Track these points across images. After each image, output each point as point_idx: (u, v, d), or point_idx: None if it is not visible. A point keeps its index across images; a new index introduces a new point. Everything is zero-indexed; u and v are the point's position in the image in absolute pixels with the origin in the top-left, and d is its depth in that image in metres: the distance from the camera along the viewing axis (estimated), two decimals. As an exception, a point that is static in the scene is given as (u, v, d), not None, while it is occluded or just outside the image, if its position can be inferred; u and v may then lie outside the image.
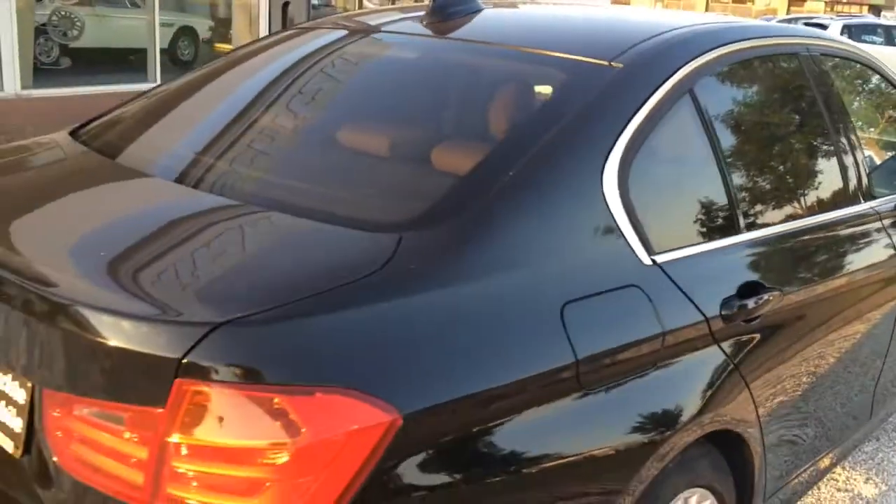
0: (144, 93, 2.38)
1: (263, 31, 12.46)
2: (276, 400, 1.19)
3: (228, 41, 13.39)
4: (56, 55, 10.50)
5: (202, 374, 1.19)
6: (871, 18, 26.76)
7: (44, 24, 10.25)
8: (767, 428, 1.98)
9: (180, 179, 1.78)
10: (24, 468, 1.43)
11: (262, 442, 1.19)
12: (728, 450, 1.89)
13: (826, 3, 68.18)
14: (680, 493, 1.75)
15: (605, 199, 1.63)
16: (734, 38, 2.09)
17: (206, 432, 1.21)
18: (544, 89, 1.84)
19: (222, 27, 13.37)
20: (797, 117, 2.39)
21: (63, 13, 10.47)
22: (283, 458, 1.19)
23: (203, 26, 12.88)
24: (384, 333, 1.30)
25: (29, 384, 1.41)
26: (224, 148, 1.92)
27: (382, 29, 2.37)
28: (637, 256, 1.66)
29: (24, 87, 8.94)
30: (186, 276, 1.40)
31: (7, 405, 1.47)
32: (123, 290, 1.34)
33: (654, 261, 1.69)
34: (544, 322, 1.47)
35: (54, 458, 1.35)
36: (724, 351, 1.80)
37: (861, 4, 69.77)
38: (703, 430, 1.74)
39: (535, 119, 1.75)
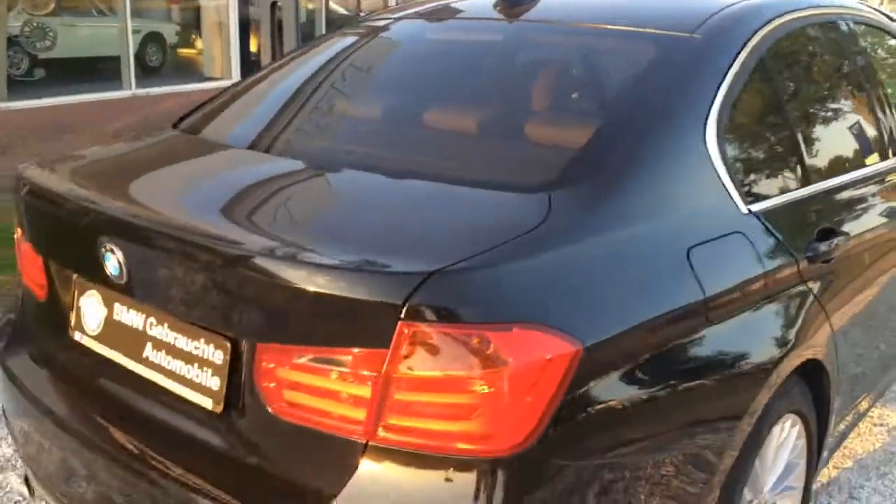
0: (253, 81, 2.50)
1: (234, 34, 12.47)
2: (483, 335, 1.33)
3: (195, 46, 13.38)
4: (28, 67, 10.42)
5: (420, 316, 1.31)
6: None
7: (16, 36, 10.17)
8: (842, 358, 2.18)
9: (340, 161, 1.94)
10: (226, 422, 1.57)
11: (474, 372, 1.33)
12: (811, 379, 2.09)
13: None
14: (781, 417, 1.95)
15: (709, 157, 1.80)
16: (789, 9, 2.29)
17: (425, 366, 1.33)
18: (640, 60, 2.01)
19: (190, 32, 13.35)
20: (847, 79, 2.58)
21: (35, 24, 10.39)
22: (491, 385, 1.33)
23: (170, 31, 12.84)
24: (561, 276, 1.44)
25: (228, 345, 1.54)
26: (382, 133, 2.13)
27: (464, 16, 2.52)
28: (738, 207, 1.85)
29: (-1, 100, 8.91)
30: (383, 235, 1.53)
31: (201, 367, 1.58)
32: (334, 248, 1.47)
33: (749, 210, 1.88)
34: (677, 264, 1.63)
35: (267, 407, 1.48)
36: (810, 289, 1.99)
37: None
38: (800, 358, 1.92)
39: (639, 89, 1.89)
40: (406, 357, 1.32)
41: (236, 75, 12.53)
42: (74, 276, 1.86)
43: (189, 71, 12.97)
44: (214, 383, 1.55)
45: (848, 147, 2.45)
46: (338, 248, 1.45)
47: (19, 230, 2.07)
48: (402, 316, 1.30)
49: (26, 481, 2.11)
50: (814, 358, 1.98)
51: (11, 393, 1.98)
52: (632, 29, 2.13)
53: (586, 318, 1.42)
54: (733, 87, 1.92)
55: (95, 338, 1.81)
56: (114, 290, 1.72)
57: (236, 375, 1.51)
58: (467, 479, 1.33)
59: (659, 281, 1.58)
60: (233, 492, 1.48)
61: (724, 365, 1.68)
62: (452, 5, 2.64)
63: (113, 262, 1.63)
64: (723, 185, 1.80)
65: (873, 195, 2.44)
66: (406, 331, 1.31)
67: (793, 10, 2.28)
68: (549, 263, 1.43)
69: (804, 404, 2.04)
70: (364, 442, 1.37)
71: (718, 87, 1.88)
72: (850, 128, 2.51)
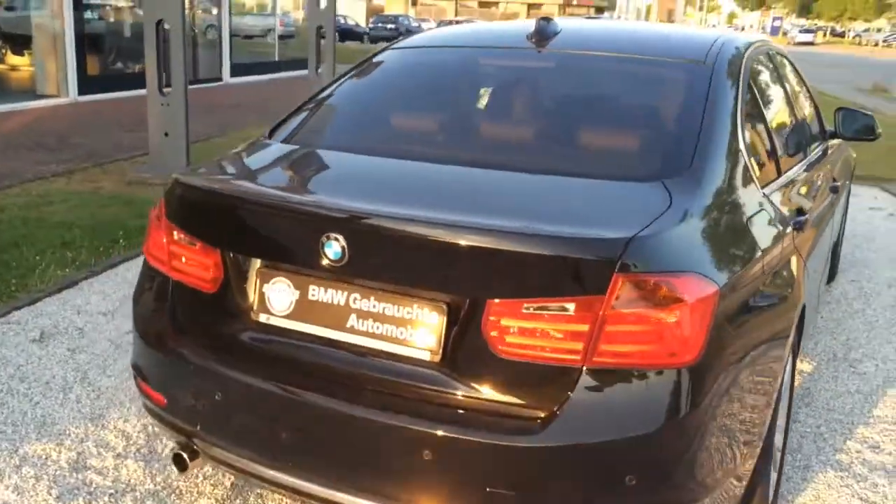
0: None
1: (70, 50, 11.99)
2: (669, 281, 1.85)
3: (24, 62, 12.73)
4: None
5: (627, 268, 1.80)
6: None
7: None
8: (811, 304, 2.93)
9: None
10: (444, 368, 1.97)
11: (664, 306, 1.85)
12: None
13: (559, 5, 74.61)
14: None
15: (743, 153, 2.45)
16: (749, 42, 3.05)
17: (630, 305, 1.83)
18: (678, 83, 2.64)
19: (20, 47, 12.71)
20: (785, 91, 3.40)
21: None
22: (675, 316, 1.85)
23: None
24: (697, 239, 2.01)
25: (444, 307, 1.95)
26: (515, 142, 2.66)
27: (512, 46, 3.06)
28: (758, 188, 2.51)
29: None
30: (572, 214, 2.05)
31: (415, 327, 1.95)
32: (544, 223, 1.93)
33: (763, 193, 2.55)
34: (747, 227, 2.28)
35: (490, 350, 1.90)
36: (797, 249, 2.70)
37: (588, 6, 77.14)
38: (801, 302, 2.62)
39: (691, 102, 2.52)
40: (617, 298, 1.82)
41: (73, 93, 12.11)
42: (258, 267, 2.18)
43: (17, 88, 12.36)
44: (431, 339, 1.96)
45: (796, 141, 3.26)
46: (547, 223, 1.94)
47: (177, 234, 2.33)
48: (617, 269, 1.81)
49: (178, 458, 2.36)
50: (805, 303, 2.69)
51: (193, 374, 2.25)
52: (659, 58, 2.76)
53: (715, 267, 2.00)
54: (741, 101, 2.59)
55: (287, 317, 2.14)
56: (315, 274, 2.07)
57: (454, 329, 1.94)
58: (662, 385, 1.85)
59: (743, 240, 2.20)
60: (456, 423, 1.91)
61: (779, 298, 2.34)
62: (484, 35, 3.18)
63: (335, 247, 1.99)
64: (751, 173, 2.46)
65: (815, 177, 3.28)
66: (619, 280, 1.81)
67: (753, 43, 3.03)
68: (689, 229, 2.00)
69: (796, 342, 2.75)
70: (580, 367, 1.85)
71: (736, 101, 2.54)
72: (794, 126, 3.33)
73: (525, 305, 1.86)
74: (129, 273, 4.86)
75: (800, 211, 2.81)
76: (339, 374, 2.08)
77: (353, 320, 2.06)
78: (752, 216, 2.32)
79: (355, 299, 2.06)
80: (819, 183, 3.38)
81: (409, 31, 40.50)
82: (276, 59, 20.35)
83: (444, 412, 1.94)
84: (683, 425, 1.85)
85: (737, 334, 2.02)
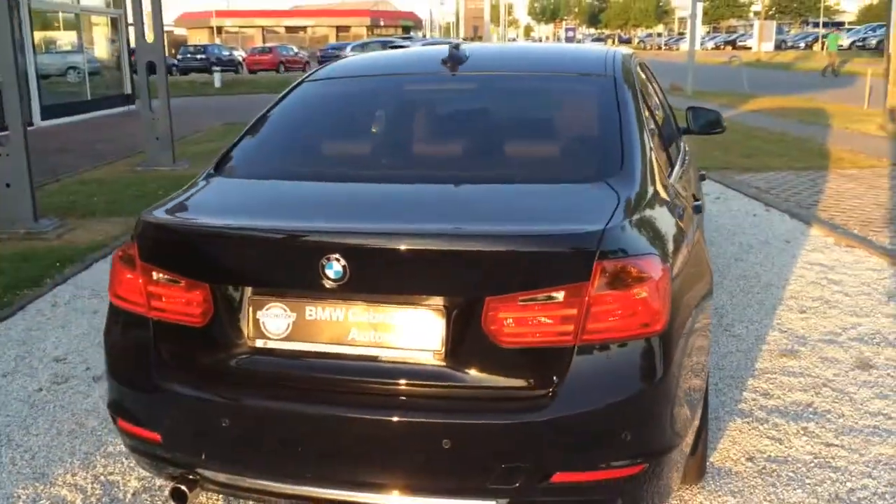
0: None
1: None
2: (637, 263, 2.14)
3: None
4: None
5: (605, 256, 2.07)
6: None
7: None
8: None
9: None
10: (450, 364, 2.16)
11: (639, 284, 2.13)
12: None
13: (367, 27, 75.66)
14: None
15: (648, 150, 2.83)
16: (629, 54, 3.47)
17: (610, 287, 2.11)
18: (592, 88, 2.98)
19: None
20: (655, 96, 3.84)
21: None
22: (646, 290, 2.13)
23: None
24: (647, 226, 2.34)
25: (444, 311, 2.14)
26: (462, 158, 2.86)
27: (419, 72, 3.28)
28: (667, 181, 2.90)
29: None
30: (543, 214, 2.29)
31: (418, 332, 2.13)
32: (526, 225, 2.18)
33: (670, 183, 2.95)
34: (669, 211, 2.64)
35: (492, 341, 2.10)
36: (700, 230, 3.13)
37: (396, 27, 78.73)
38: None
39: (605, 110, 2.85)
40: (601, 284, 2.11)
41: None
42: (249, 295, 2.28)
43: None
44: (433, 341, 2.15)
45: (670, 137, 3.71)
46: (525, 224, 2.20)
47: (156, 275, 2.37)
48: (597, 258, 2.10)
49: (177, 491, 2.41)
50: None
51: (193, 406, 2.31)
52: (567, 73, 3.12)
53: (661, 248, 2.33)
54: (640, 105, 2.98)
55: (285, 339, 2.27)
56: (312, 295, 2.22)
57: (454, 328, 2.15)
58: (641, 352, 2.15)
59: (671, 224, 2.56)
60: (469, 411, 2.13)
61: (700, 270, 2.71)
62: (402, 62, 3.41)
63: (336, 267, 2.14)
64: (658, 168, 2.85)
65: (689, 168, 3.75)
66: (599, 266, 2.10)
67: (629, 55, 3.46)
68: (639, 219, 2.32)
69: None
70: (573, 346, 2.12)
71: (637, 105, 2.93)
72: (667, 124, 3.79)
73: (520, 299, 2.11)
74: None
75: (695, 197, 3.26)
76: (347, 385, 2.24)
77: (354, 333, 2.22)
78: (671, 203, 2.70)
79: (354, 313, 2.22)
80: (692, 173, 3.89)
81: (221, 60, 39.83)
82: (88, 97, 19.39)
83: (456, 403, 2.15)
84: (662, 383, 2.17)
85: (683, 302, 2.37)
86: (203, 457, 2.34)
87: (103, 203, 8.66)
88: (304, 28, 78.08)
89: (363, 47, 32.97)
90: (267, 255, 2.29)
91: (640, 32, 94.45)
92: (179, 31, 75.41)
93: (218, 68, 34.39)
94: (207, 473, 2.36)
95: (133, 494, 3.00)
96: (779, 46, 54.56)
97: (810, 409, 3.48)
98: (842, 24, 75.86)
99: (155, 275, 2.38)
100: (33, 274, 5.92)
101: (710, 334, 2.74)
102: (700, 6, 45.22)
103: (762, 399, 3.59)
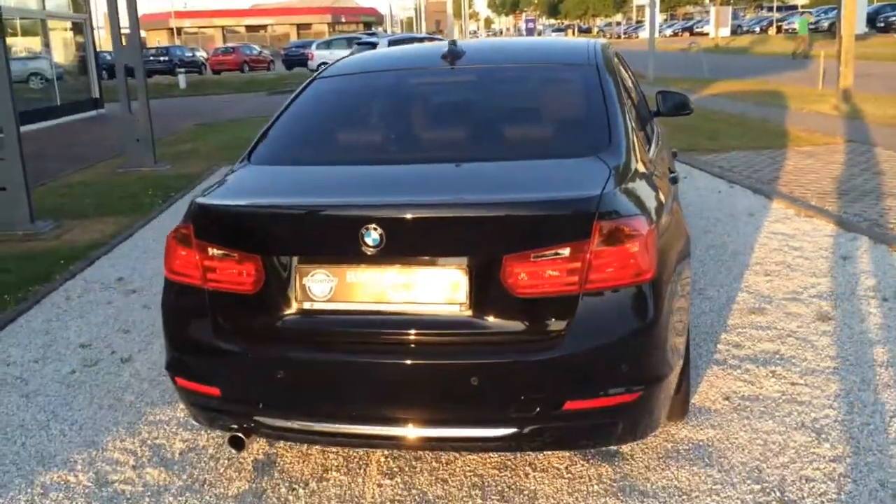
0: None
1: None
2: (629, 223, 2.53)
3: None
4: None
5: (602, 217, 2.45)
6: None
7: None
8: None
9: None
10: (474, 314, 2.54)
11: (631, 240, 2.51)
12: None
13: (328, 24, 75.46)
14: None
15: (630, 129, 3.22)
16: (605, 44, 3.86)
17: (606, 243, 2.47)
18: (578, 76, 3.37)
19: None
20: (630, 81, 4.24)
21: None
22: (637, 245, 2.49)
23: None
24: (634, 192, 2.72)
25: (467, 268, 2.52)
26: (465, 140, 3.22)
27: (424, 67, 3.65)
28: (647, 155, 3.30)
29: None
30: (547, 183, 2.68)
31: (444, 289, 2.50)
32: (533, 192, 2.56)
33: (650, 158, 3.35)
34: (654, 181, 3.03)
35: (509, 293, 2.49)
36: (676, 198, 3.53)
37: (357, 23, 78.65)
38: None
39: (592, 94, 3.24)
40: (599, 240, 2.50)
41: None
42: (295, 264, 2.64)
43: None
44: (459, 295, 2.53)
45: (645, 118, 4.08)
46: (533, 192, 2.58)
47: (212, 250, 2.71)
48: (596, 218, 2.49)
49: (235, 439, 2.76)
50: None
51: (250, 362, 2.66)
52: (554, 63, 3.51)
53: (647, 211, 2.73)
54: (620, 90, 3.38)
55: (328, 300, 2.63)
56: (352, 261, 2.58)
57: (477, 283, 2.53)
58: (635, 297, 2.55)
59: (654, 190, 2.96)
60: (492, 352, 2.51)
61: (679, 231, 3.10)
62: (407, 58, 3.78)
63: (374, 235, 2.50)
64: (639, 145, 3.25)
65: (663, 145, 4.17)
66: (598, 226, 2.49)
67: (606, 45, 3.86)
68: (628, 186, 2.71)
69: None
70: (578, 294, 2.51)
71: (618, 90, 3.32)
72: (641, 106, 4.18)
73: (532, 256, 2.50)
74: None
75: (670, 170, 3.67)
76: (385, 337, 2.61)
77: (389, 292, 2.59)
78: (651, 174, 3.10)
79: (389, 275, 2.58)
80: (665, 149, 4.30)
81: (184, 62, 39.73)
82: (59, 102, 19.41)
83: (480, 347, 2.53)
84: (652, 323, 2.57)
85: (667, 257, 2.77)
86: (260, 406, 2.70)
87: (93, 204, 8.91)
88: (264, 27, 77.76)
89: (328, 45, 33.18)
90: (312, 228, 2.65)
91: (600, 22, 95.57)
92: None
93: (182, 70, 34.36)
94: (264, 420, 2.72)
95: (180, 454, 3.34)
96: (735, 31, 55.67)
97: (777, 356, 3.91)
98: (794, 7, 77.47)
99: (210, 251, 2.72)
100: (40, 272, 6.19)
101: (690, 288, 3.14)
102: (657, -6, 45.99)
103: (734, 349, 4.02)
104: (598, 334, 2.52)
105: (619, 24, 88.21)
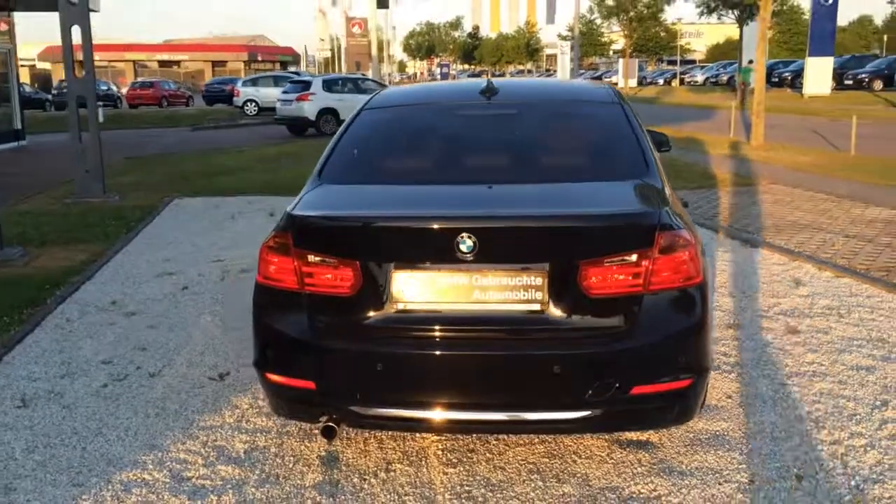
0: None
1: None
2: (682, 235, 2.96)
3: None
4: None
5: (663, 229, 2.90)
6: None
7: None
8: None
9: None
10: (545, 315, 2.91)
11: (683, 249, 2.94)
12: None
13: (244, 62, 75.08)
14: None
15: (654, 158, 3.69)
16: (615, 85, 4.37)
17: (665, 252, 2.90)
18: (606, 112, 3.83)
19: None
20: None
21: None
22: (687, 254, 2.92)
23: None
24: (677, 210, 3.18)
25: (546, 272, 2.90)
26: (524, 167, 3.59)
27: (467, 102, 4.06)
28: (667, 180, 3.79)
29: None
30: (611, 201, 3.11)
31: (524, 290, 2.87)
32: (607, 205, 3.00)
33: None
34: (678, 201, 3.49)
35: (583, 294, 2.88)
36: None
37: (273, 61, 78.52)
38: None
39: (626, 128, 3.67)
40: (659, 249, 2.94)
41: None
42: (391, 269, 2.97)
43: None
44: (538, 294, 2.92)
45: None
46: (605, 206, 3.01)
47: (311, 257, 3.01)
48: (658, 230, 2.93)
49: (328, 429, 3.05)
50: None
51: (349, 358, 2.96)
52: (586, 100, 3.99)
53: (688, 225, 3.18)
54: (641, 125, 3.86)
55: (420, 302, 2.97)
56: (443, 266, 2.93)
57: (555, 285, 2.92)
58: (689, 297, 2.98)
59: (682, 209, 3.42)
60: (569, 344, 2.90)
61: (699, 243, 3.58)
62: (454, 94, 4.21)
63: (469, 243, 2.87)
64: (662, 170, 3.73)
65: None
66: (660, 236, 2.93)
67: (616, 86, 4.37)
68: (672, 205, 3.17)
69: None
70: (642, 294, 2.93)
71: (640, 125, 3.80)
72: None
73: (605, 261, 2.91)
74: None
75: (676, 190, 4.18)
76: (472, 333, 2.96)
77: (476, 294, 2.95)
78: (675, 196, 3.59)
79: (477, 279, 2.95)
80: None
81: (100, 95, 38.67)
82: (-19, 133, 18.86)
83: (559, 340, 2.92)
84: (702, 320, 3.02)
85: (703, 263, 3.24)
86: (357, 397, 2.99)
87: (54, 233, 8.86)
88: (177, 62, 76.72)
89: (254, 83, 33.22)
90: (409, 236, 2.99)
91: (512, 69, 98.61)
92: (43, 65, 72.43)
93: (99, 103, 33.62)
94: (359, 410, 3.01)
95: (245, 453, 3.57)
96: (640, 82, 58.59)
97: (762, 362, 4.44)
98: (693, 62, 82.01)
99: (310, 258, 3.02)
100: (27, 296, 6.21)
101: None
102: (569, 45, 47.93)
103: (724, 357, 4.53)
104: (658, 329, 2.95)
105: (529, 71, 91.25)
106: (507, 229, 2.95)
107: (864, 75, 38.06)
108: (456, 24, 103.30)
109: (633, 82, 53.51)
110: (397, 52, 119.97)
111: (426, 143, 3.86)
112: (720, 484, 3.19)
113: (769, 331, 4.95)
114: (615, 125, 3.77)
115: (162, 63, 75.26)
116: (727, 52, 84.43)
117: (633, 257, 2.92)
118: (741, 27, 33.59)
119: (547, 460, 3.40)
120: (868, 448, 3.45)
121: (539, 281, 2.92)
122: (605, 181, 3.40)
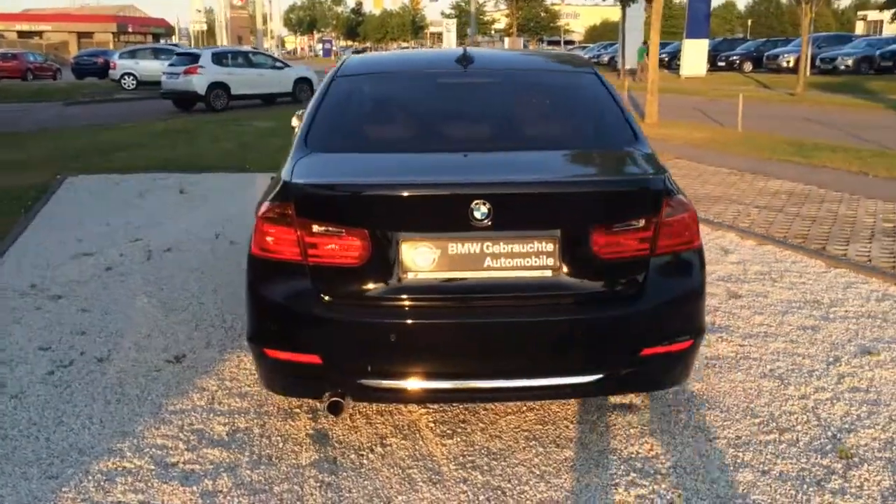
0: None
1: None
2: (680, 200, 3.02)
3: None
4: None
5: (667, 195, 2.95)
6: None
7: None
8: None
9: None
10: (562, 275, 2.89)
11: (684, 213, 2.97)
12: None
13: (113, 34, 71.23)
14: None
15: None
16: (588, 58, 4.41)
17: (668, 216, 2.93)
18: (584, 81, 3.83)
19: None
20: None
21: None
22: (688, 218, 2.97)
23: None
24: (669, 175, 3.25)
25: (558, 237, 2.89)
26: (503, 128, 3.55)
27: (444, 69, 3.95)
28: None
29: None
30: (606, 167, 3.15)
31: (536, 256, 2.85)
32: (609, 173, 3.04)
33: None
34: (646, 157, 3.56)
35: (593, 257, 2.88)
36: None
37: (145, 34, 74.86)
38: None
39: (607, 95, 3.67)
40: (664, 214, 2.99)
41: None
42: (399, 240, 2.89)
43: None
44: (550, 262, 2.92)
45: None
46: (612, 175, 3.04)
47: (316, 227, 2.89)
48: (664, 195, 2.99)
49: (335, 404, 2.96)
50: None
51: (359, 329, 2.87)
52: (565, 69, 3.99)
53: (682, 190, 3.27)
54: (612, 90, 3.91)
55: (431, 271, 2.91)
56: (455, 235, 2.88)
57: (568, 250, 2.93)
58: (691, 259, 3.06)
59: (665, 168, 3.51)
60: (584, 307, 2.92)
61: None
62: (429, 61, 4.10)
63: (483, 210, 2.82)
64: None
65: None
66: (665, 202, 2.99)
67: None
68: (667, 171, 3.24)
69: None
70: (649, 257, 2.98)
71: (610, 92, 3.84)
72: None
73: (615, 226, 2.94)
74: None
75: None
76: (485, 300, 2.93)
77: (488, 261, 2.92)
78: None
79: (488, 246, 2.91)
80: None
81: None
82: None
83: (573, 305, 2.93)
84: (701, 282, 3.10)
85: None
86: (369, 369, 2.91)
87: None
88: (39, 33, 71.92)
89: (132, 54, 31.58)
90: (421, 204, 2.91)
91: (396, 46, 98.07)
92: None
93: (-43, 75, 31.17)
94: (370, 383, 2.93)
95: (228, 435, 3.42)
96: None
97: (717, 326, 4.62)
98: (572, 42, 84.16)
99: (314, 227, 2.90)
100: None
101: None
102: (454, 22, 48.11)
103: (680, 322, 4.69)
104: (664, 292, 3.01)
105: (415, 48, 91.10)
106: (522, 195, 2.92)
107: (735, 57, 40.14)
108: (339, 0, 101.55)
109: (517, 61, 54.21)
110: (277, 26, 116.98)
111: (412, 110, 3.77)
112: (710, 441, 3.31)
113: (713, 296, 5.16)
114: (596, 93, 3.80)
115: (22, 34, 70.33)
116: (603, 33, 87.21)
117: (642, 222, 2.96)
118: (624, 9, 34.59)
119: (541, 427, 3.43)
120: (834, 401, 3.66)
121: (550, 247, 2.92)
122: (599, 149, 3.43)
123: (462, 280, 2.93)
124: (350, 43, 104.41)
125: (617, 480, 3.04)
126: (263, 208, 3.02)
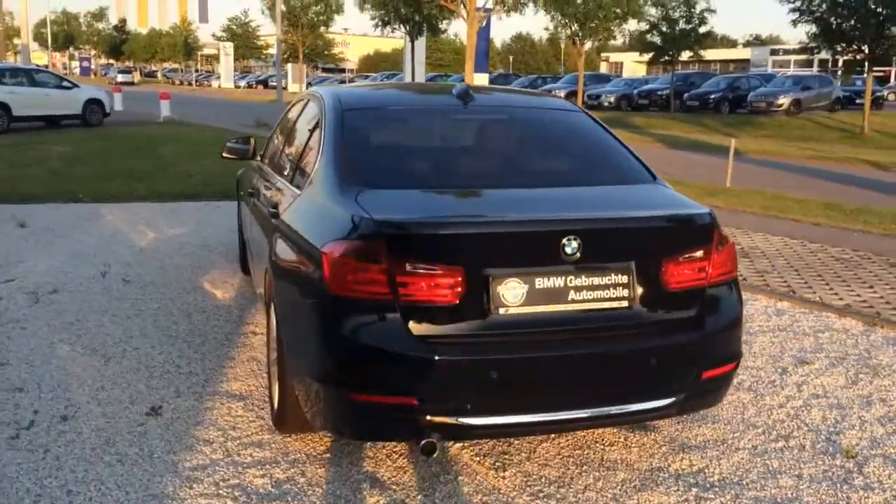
0: None
1: None
2: (722, 234, 3.30)
3: None
4: None
5: (715, 227, 3.19)
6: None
7: None
8: None
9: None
10: (633, 311, 3.04)
11: (727, 244, 3.21)
12: None
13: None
14: None
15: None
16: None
17: (718, 246, 3.16)
18: (583, 120, 4.00)
19: None
20: None
21: None
22: (729, 248, 3.26)
23: None
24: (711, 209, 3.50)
25: (633, 270, 3.04)
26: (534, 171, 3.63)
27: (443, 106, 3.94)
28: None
29: None
30: (661, 202, 3.33)
31: (614, 288, 2.99)
32: (666, 209, 3.22)
33: None
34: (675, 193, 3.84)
35: (663, 287, 3.06)
36: None
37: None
38: None
39: (601, 132, 3.88)
40: (715, 244, 3.26)
41: None
42: (490, 276, 2.90)
43: None
44: (625, 293, 3.07)
45: None
46: (668, 210, 3.25)
47: (409, 266, 2.82)
48: (713, 229, 3.26)
49: (429, 445, 2.89)
50: None
51: (456, 368, 2.84)
52: (561, 105, 4.18)
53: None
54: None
55: (520, 306, 2.95)
56: (542, 270, 2.94)
57: (638, 281, 3.10)
58: (731, 287, 3.33)
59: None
60: (660, 335, 3.11)
61: None
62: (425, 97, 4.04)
63: (574, 245, 2.92)
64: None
65: None
66: (715, 234, 3.26)
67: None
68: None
69: None
70: (705, 284, 3.22)
71: (601, 127, 4.09)
72: None
73: (681, 258, 3.17)
74: None
75: None
76: (572, 332, 3.02)
77: (572, 294, 3.01)
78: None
79: (572, 279, 3.01)
80: None
81: None
82: None
83: (649, 332, 3.11)
84: (741, 309, 3.41)
85: None
86: (469, 407, 2.88)
87: None
88: None
89: None
90: (514, 239, 2.95)
91: (165, 67, 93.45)
92: None
93: None
94: (468, 421, 2.90)
95: (273, 486, 3.20)
96: (309, 85, 59.57)
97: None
98: (343, 70, 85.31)
99: (407, 266, 2.83)
100: None
101: None
102: (231, 45, 46.77)
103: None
104: (718, 318, 3.27)
105: (182, 71, 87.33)
106: (607, 230, 3.06)
107: (513, 91, 42.81)
108: (100, 16, 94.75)
109: (301, 87, 54.08)
110: (28, 41, 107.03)
111: (445, 146, 3.76)
112: (736, 451, 3.62)
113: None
114: (596, 132, 4.02)
115: None
116: (376, 63, 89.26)
117: (700, 253, 3.21)
118: (413, 41, 35.74)
119: (579, 451, 3.56)
120: (808, 408, 4.13)
121: (626, 279, 3.07)
122: (625, 185, 3.63)
123: (549, 313, 2.99)
124: (114, 62, 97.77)
125: (686, 496, 3.23)
126: (343, 247, 2.88)
